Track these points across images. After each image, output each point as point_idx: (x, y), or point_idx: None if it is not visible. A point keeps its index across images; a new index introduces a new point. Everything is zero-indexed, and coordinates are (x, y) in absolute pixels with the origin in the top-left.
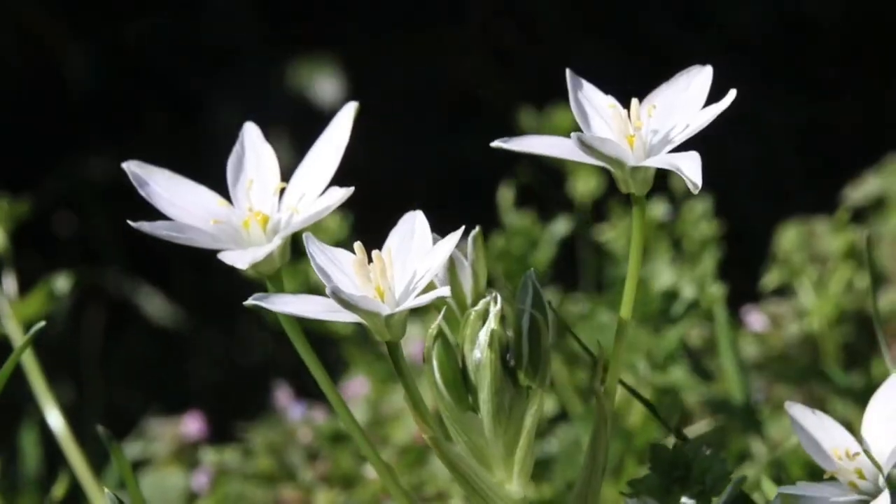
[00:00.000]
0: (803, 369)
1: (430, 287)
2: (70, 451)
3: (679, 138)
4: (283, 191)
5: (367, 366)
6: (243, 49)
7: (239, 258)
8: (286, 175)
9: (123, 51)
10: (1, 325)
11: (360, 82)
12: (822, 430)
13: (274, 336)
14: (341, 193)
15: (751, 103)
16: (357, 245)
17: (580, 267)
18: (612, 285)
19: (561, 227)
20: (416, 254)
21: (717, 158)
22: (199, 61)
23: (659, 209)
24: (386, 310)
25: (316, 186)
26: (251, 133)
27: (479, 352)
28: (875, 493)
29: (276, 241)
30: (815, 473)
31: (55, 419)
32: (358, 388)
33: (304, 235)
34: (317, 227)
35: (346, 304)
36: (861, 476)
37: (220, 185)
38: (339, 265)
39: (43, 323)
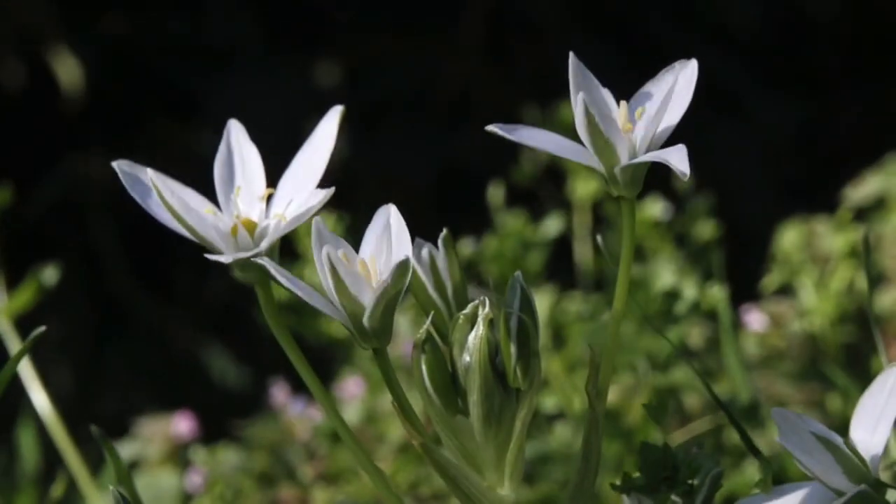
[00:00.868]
0: (803, 369)
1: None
2: (66, 452)
3: (666, 134)
4: (270, 196)
5: (360, 368)
6: (242, 50)
7: (224, 257)
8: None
9: (122, 51)
10: None
11: (357, 83)
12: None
13: (273, 336)
14: (322, 195)
15: (750, 103)
16: (341, 254)
17: (578, 267)
18: (613, 285)
19: (553, 226)
20: (396, 250)
21: (716, 158)
22: (198, 62)
23: (656, 208)
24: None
25: (303, 192)
26: (236, 133)
27: (468, 355)
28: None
29: (263, 246)
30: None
31: (51, 420)
32: (354, 388)
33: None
34: (308, 230)
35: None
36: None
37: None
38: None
39: (43, 328)
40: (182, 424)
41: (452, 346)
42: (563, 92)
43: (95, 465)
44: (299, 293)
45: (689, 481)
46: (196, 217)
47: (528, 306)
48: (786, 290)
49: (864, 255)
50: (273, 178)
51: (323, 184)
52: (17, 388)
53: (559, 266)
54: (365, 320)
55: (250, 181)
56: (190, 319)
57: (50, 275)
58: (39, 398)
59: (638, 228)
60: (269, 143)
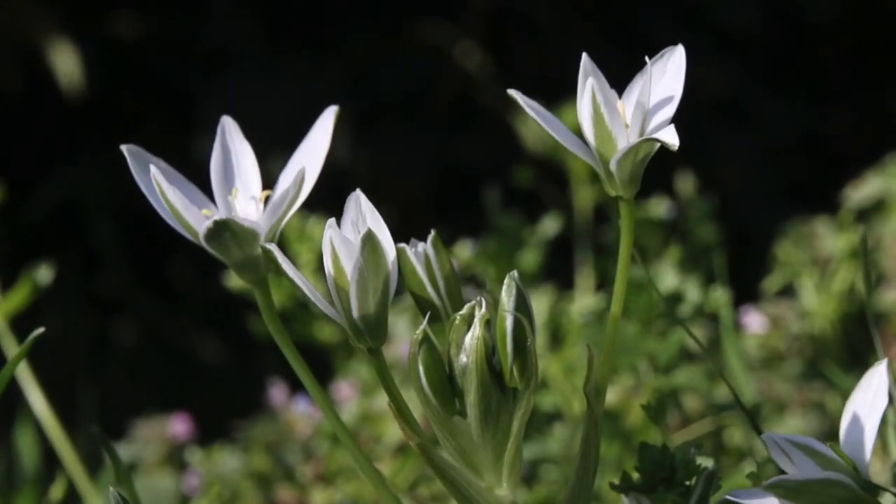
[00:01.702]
0: (803, 370)
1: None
2: (65, 453)
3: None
4: (268, 198)
5: (354, 374)
6: (241, 51)
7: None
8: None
9: (121, 53)
10: None
11: (357, 83)
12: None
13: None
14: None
15: (751, 104)
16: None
17: (577, 268)
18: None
19: (550, 227)
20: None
21: (717, 159)
22: (198, 63)
23: (660, 208)
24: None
25: (296, 197)
26: (230, 131)
27: (465, 356)
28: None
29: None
30: None
31: (48, 421)
32: (349, 389)
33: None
34: (302, 234)
35: None
36: None
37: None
38: None
39: (42, 329)
40: (178, 426)
41: (449, 347)
42: (563, 93)
43: (95, 466)
44: (302, 286)
45: (687, 482)
46: (195, 216)
47: (523, 305)
48: (784, 291)
49: (863, 255)
50: (272, 178)
51: (321, 184)
52: (15, 390)
53: (560, 267)
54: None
55: (245, 180)
56: (190, 319)
57: (44, 274)
58: (37, 399)
59: (640, 230)
60: (269, 143)
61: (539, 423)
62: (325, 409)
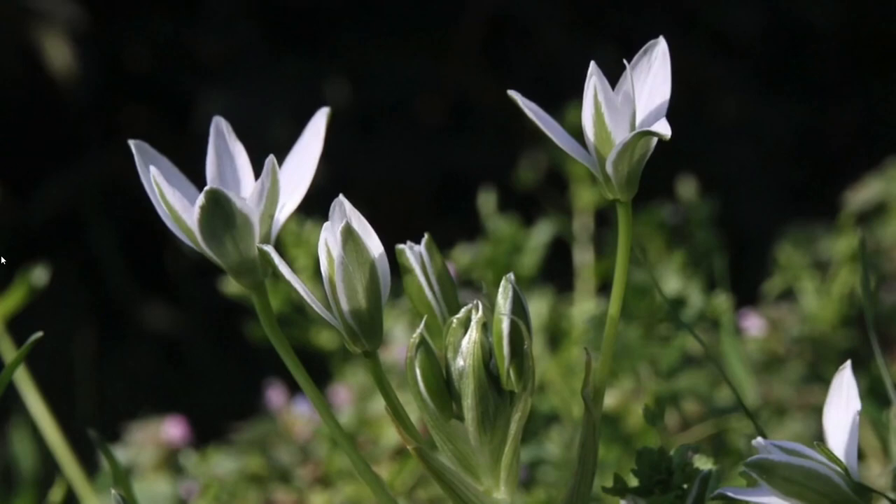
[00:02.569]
0: (803, 373)
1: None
2: (62, 456)
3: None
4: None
5: (350, 379)
6: (241, 55)
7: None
8: None
9: (121, 56)
10: None
11: (357, 87)
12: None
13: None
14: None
15: (750, 108)
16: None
17: (577, 271)
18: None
19: (545, 231)
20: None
21: (717, 162)
22: (197, 67)
23: (661, 213)
24: None
25: (294, 196)
26: (223, 131)
27: (462, 359)
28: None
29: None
30: None
31: (47, 424)
32: (346, 393)
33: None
34: (298, 239)
35: None
36: None
37: None
38: None
39: (40, 334)
40: (173, 430)
41: (446, 350)
42: (562, 97)
43: (93, 469)
44: (298, 288)
45: (684, 485)
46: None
47: (520, 308)
48: (784, 294)
49: (861, 258)
50: None
51: (319, 189)
52: (14, 393)
53: (560, 271)
54: None
55: (239, 181)
56: (188, 323)
57: (39, 275)
58: (35, 403)
59: (641, 233)
60: (268, 147)
61: (537, 426)
62: (322, 412)
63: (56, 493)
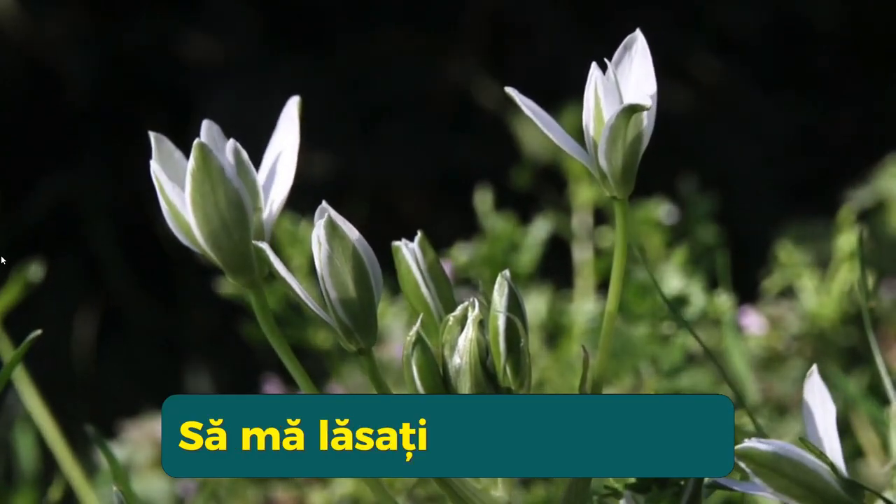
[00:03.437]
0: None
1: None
2: (61, 455)
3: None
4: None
5: (350, 374)
6: (241, 54)
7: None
8: None
9: (122, 55)
10: None
11: (356, 85)
12: None
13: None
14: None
15: (751, 107)
16: None
17: (576, 269)
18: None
19: (542, 229)
20: None
21: (717, 161)
22: (197, 66)
23: (659, 210)
24: None
25: (279, 191)
26: (212, 134)
27: (458, 357)
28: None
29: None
30: None
31: (46, 423)
32: (345, 392)
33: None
34: (294, 238)
35: None
36: None
37: None
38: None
39: (39, 331)
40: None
41: (443, 348)
42: (561, 95)
43: (93, 467)
44: (293, 285)
45: (681, 482)
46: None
47: (516, 305)
48: (784, 292)
49: (859, 255)
50: None
51: (317, 187)
52: (14, 391)
53: (559, 268)
54: None
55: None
56: (188, 322)
57: (35, 272)
58: (34, 401)
59: (642, 231)
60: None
61: None
62: None
63: (55, 491)
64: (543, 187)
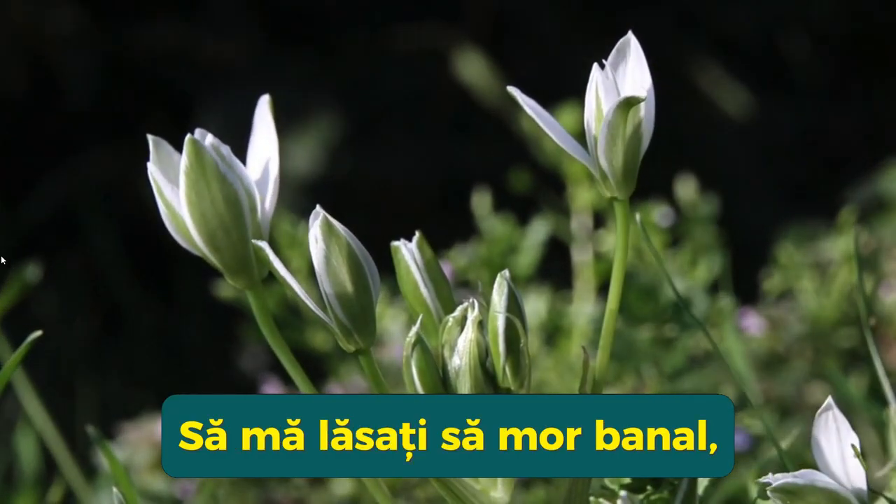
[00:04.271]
0: (803, 372)
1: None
2: (62, 456)
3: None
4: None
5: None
6: (240, 55)
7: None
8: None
9: (122, 57)
10: None
11: (357, 87)
12: None
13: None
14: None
15: (750, 107)
16: None
17: (576, 271)
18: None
19: (540, 231)
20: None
21: (717, 163)
22: (197, 68)
23: (658, 212)
24: None
25: (269, 192)
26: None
27: (458, 358)
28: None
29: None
30: None
31: (45, 424)
32: (345, 392)
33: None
34: (293, 240)
35: None
36: None
37: None
38: None
39: (39, 333)
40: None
41: (442, 349)
42: (563, 96)
43: (92, 468)
44: (292, 284)
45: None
46: None
47: (515, 306)
48: (784, 293)
49: (857, 257)
50: None
51: (319, 190)
52: (15, 393)
53: (559, 270)
54: None
55: None
56: (189, 322)
57: (33, 273)
58: (34, 403)
59: (639, 233)
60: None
61: None
62: None
63: (55, 493)
64: (543, 190)
